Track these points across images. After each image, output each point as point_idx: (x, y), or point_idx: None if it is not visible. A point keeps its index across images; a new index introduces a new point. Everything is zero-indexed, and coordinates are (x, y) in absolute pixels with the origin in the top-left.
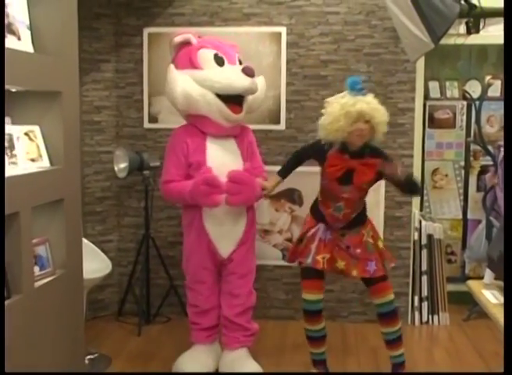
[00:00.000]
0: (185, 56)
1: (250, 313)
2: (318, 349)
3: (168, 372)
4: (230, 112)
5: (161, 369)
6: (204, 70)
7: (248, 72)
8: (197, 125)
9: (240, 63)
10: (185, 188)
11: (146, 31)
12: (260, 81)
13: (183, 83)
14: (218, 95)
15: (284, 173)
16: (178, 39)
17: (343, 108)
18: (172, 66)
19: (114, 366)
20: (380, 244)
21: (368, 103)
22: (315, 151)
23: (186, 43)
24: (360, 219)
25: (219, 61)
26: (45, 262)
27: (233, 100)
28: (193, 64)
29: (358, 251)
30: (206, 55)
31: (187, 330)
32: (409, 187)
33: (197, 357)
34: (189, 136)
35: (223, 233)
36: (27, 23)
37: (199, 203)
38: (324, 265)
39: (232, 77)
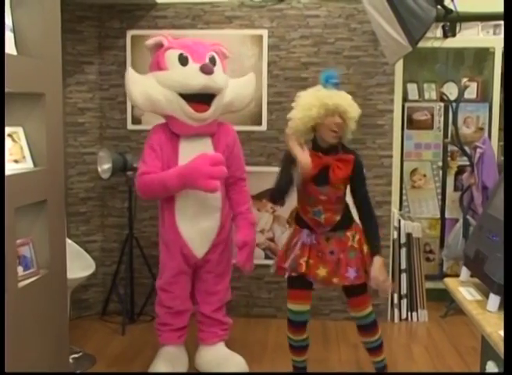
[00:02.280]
0: (154, 59)
1: (225, 309)
2: (299, 357)
3: (168, 372)
4: (192, 110)
5: (146, 368)
6: (168, 71)
7: (205, 69)
8: (169, 125)
9: (212, 61)
10: (170, 175)
11: (129, 34)
12: (246, 79)
13: (142, 84)
14: (182, 95)
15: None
16: (150, 42)
17: (319, 100)
18: (129, 69)
19: (98, 366)
20: (365, 248)
21: (344, 98)
22: (291, 159)
23: (160, 45)
24: (345, 221)
25: (183, 60)
26: (29, 262)
27: (198, 98)
28: (159, 66)
29: (341, 256)
30: (171, 56)
31: None
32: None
33: (169, 361)
34: (164, 134)
35: (196, 233)
36: (10, 25)
37: (194, 186)
38: (306, 269)
39: (188, 76)
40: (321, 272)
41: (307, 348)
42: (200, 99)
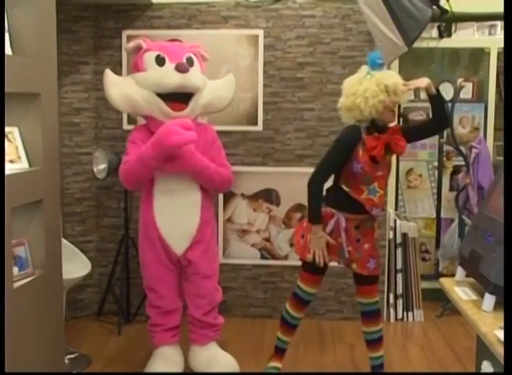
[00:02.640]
0: (133, 61)
1: (216, 309)
2: (288, 337)
3: (166, 372)
4: (169, 109)
5: (142, 368)
6: (145, 72)
7: (180, 68)
8: (148, 125)
9: (189, 62)
10: (145, 148)
11: (125, 34)
12: (226, 80)
13: (120, 85)
14: (160, 94)
15: (320, 202)
16: (129, 45)
17: (379, 84)
18: (107, 71)
19: (94, 366)
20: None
21: (394, 75)
22: (350, 143)
23: (139, 48)
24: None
25: (160, 61)
26: (24, 262)
27: (175, 98)
28: (137, 67)
29: (366, 246)
30: (149, 57)
31: None
32: (440, 108)
33: (168, 359)
34: (145, 133)
35: (174, 228)
36: (6, 25)
37: (170, 145)
38: (352, 254)
39: (163, 75)
40: (345, 253)
41: (295, 330)
42: (177, 98)
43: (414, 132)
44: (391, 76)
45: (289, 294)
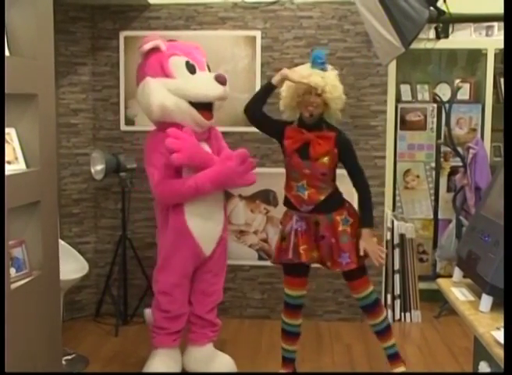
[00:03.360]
0: (156, 64)
1: (217, 309)
2: (291, 346)
3: (166, 372)
4: (203, 118)
5: (139, 369)
6: (177, 79)
7: (221, 80)
8: (166, 132)
9: (209, 68)
10: (202, 181)
11: (122, 35)
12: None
13: (158, 94)
14: (191, 103)
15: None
16: (148, 46)
17: (287, 82)
18: (148, 79)
19: (91, 367)
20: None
21: (323, 77)
22: (278, 123)
23: (156, 49)
24: (332, 204)
25: (191, 68)
26: (22, 263)
27: (204, 107)
28: (165, 72)
29: (333, 240)
30: (178, 63)
31: None
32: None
33: (166, 360)
34: (162, 141)
35: (206, 231)
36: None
37: (234, 186)
38: (306, 257)
39: (205, 86)
40: (315, 254)
41: (299, 337)
42: (206, 107)
43: (345, 166)
44: (315, 76)
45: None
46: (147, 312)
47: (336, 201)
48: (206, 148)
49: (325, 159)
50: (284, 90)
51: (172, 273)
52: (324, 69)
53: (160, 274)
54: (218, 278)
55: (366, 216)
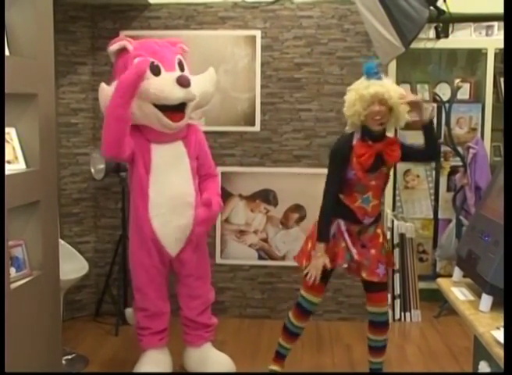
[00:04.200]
0: (121, 66)
1: (210, 310)
2: (289, 344)
3: (164, 372)
4: (169, 120)
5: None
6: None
7: (183, 83)
8: (142, 131)
9: (181, 67)
10: (110, 99)
11: (122, 34)
12: (208, 75)
13: None
14: (156, 105)
15: (329, 224)
16: (114, 47)
17: (357, 93)
18: (102, 85)
19: (91, 367)
20: (387, 247)
21: (382, 85)
22: (342, 154)
23: (123, 50)
24: (378, 217)
25: (155, 70)
26: (22, 263)
27: (173, 108)
28: None
29: (373, 251)
30: None
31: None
32: (431, 140)
33: (155, 363)
34: (135, 138)
35: (171, 231)
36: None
37: (131, 79)
38: (357, 256)
39: (166, 89)
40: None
41: (298, 338)
42: (175, 108)
43: (408, 152)
44: (374, 86)
45: (286, 294)
46: (128, 311)
47: (380, 214)
48: (181, 147)
49: (386, 168)
50: (347, 109)
51: (139, 270)
52: (379, 79)
53: (132, 271)
54: (202, 281)
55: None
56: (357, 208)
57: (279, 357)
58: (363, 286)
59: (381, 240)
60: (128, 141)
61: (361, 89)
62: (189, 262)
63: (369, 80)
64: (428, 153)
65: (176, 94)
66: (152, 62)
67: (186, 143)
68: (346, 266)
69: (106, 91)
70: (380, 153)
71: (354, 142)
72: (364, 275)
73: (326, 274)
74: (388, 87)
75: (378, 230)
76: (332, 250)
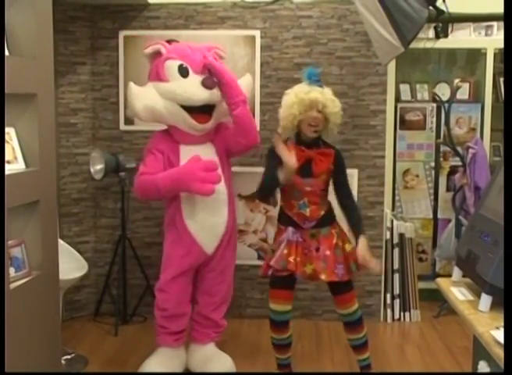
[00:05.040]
0: (154, 68)
1: (225, 309)
2: (283, 355)
3: (165, 372)
4: (195, 122)
5: (138, 369)
6: (170, 82)
7: (207, 84)
8: (171, 133)
9: (209, 71)
10: (163, 177)
11: (122, 34)
12: (246, 81)
13: (144, 97)
14: (184, 106)
15: (268, 194)
16: (148, 51)
17: (297, 96)
18: (131, 84)
19: (91, 367)
20: (348, 247)
21: (322, 93)
22: (275, 155)
23: (158, 53)
24: (329, 218)
25: (183, 72)
26: (21, 263)
27: (199, 110)
28: (159, 76)
29: (328, 253)
30: (171, 67)
31: None
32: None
33: (163, 362)
34: (166, 141)
35: (205, 228)
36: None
37: (188, 189)
38: (296, 267)
39: (190, 90)
40: (308, 269)
41: (291, 346)
42: (202, 110)
43: (335, 182)
44: (314, 92)
45: None
46: None
47: (331, 215)
48: (210, 149)
49: (324, 176)
50: (283, 111)
51: (169, 271)
52: (321, 86)
53: (161, 273)
54: (224, 277)
55: (360, 225)
56: (296, 214)
57: (282, 367)
58: (329, 290)
59: (335, 240)
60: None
61: (302, 93)
62: (218, 257)
63: (310, 86)
64: (341, 209)
65: (199, 95)
66: (181, 65)
67: (217, 144)
68: (284, 273)
69: (135, 90)
70: (310, 160)
71: (287, 145)
72: (323, 277)
73: (287, 281)
74: (327, 96)
75: (333, 231)
76: (274, 256)
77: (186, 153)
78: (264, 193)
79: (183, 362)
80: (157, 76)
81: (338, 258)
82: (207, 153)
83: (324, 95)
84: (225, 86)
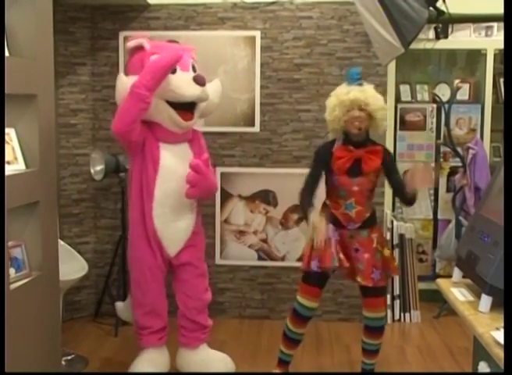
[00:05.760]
0: (138, 62)
1: (207, 310)
2: (289, 351)
3: (162, 372)
4: (181, 119)
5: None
6: None
7: (199, 81)
8: (152, 130)
9: (194, 69)
10: (137, 80)
11: (122, 35)
12: (215, 85)
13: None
14: (169, 102)
15: (310, 202)
16: (131, 44)
17: (338, 98)
18: (121, 75)
19: (91, 367)
20: (386, 252)
21: (362, 91)
22: (322, 157)
23: (140, 48)
24: (371, 221)
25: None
26: (21, 264)
27: (184, 107)
28: None
29: (366, 256)
30: None
31: None
32: (409, 199)
33: (153, 361)
34: (145, 136)
35: (171, 231)
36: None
37: (164, 62)
38: (346, 263)
39: (183, 86)
40: (346, 264)
41: (299, 344)
42: (186, 108)
43: (389, 180)
44: (354, 91)
45: (286, 295)
46: (118, 305)
47: (374, 218)
48: (187, 149)
49: (372, 175)
50: (328, 115)
51: (142, 267)
52: (361, 85)
53: (132, 268)
54: (199, 280)
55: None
56: (341, 214)
57: (283, 363)
58: (360, 290)
59: (374, 245)
60: (138, 128)
61: (342, 95)
62: (187, 261)
63: (350, 86)
64: (402, 201)
65: (192, 91)
66: None
67: (192, 146)
68: (334, 269)
69: (125, 80)
70: (359, 159)
71: (335, 147)
72: (359, 279)
73: (321, 279)
74: (368, 93)
75: (373, 235)
76: (322, 253)
77: (166, 151)
78: (308, 203)
79: (168, 362)
80: (140, 70)
81: (376, 263)
82: (185, 154)
83: (364, 93)
84: (204, 190)
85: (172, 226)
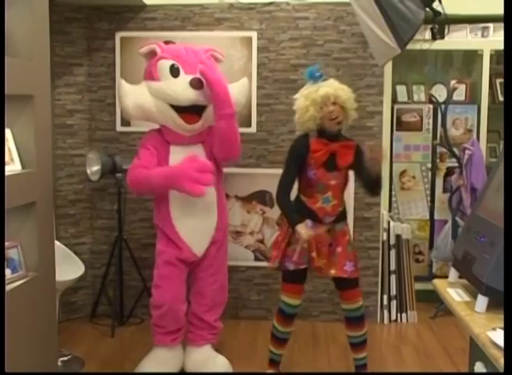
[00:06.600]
0: (148, 68)
1: (220, 312)
2: (279, 350)
3: (161, 372)
4: (183, 122)
5: (135, 369)
6: (160, 82)
7: (194, 84)
8: (162, 133)
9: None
10: (157, 173)
11: (118, 35)
12: (241, 85)
13: (134, 95)
14: (174, 106)
15: (293, 207)
16: (143, 50)
17: (308, 98)
18: (122, 81)
19: (87, 368)
20: (352, 245)
21: (330, 85)
22: (299, 151)
23: (153, 53)
24: (344, 214)
25: (174, 72)
26: (17, 265)
27: (187, 110)
28: (152, 76)
29: (339, 249)
30: (163, 66)
31: None
32: (374, 182)
33: (159, 361)
34: (159, 138)
35: (194, 231)
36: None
37: (180, 188)
38: (317, 262)
39: (178, 90)
40: (319, 263)
41: (287, 342)
42: (191, 111)
43: (356, 170)
44: (322, 88)
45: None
46: None
47: (345, 211)
48: (200, 151)
49: (345, 170)
50: (301, 116)
51: (161, 267)
52: (325, 80)
53: (155, 269)
54: (216, 278)
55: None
56: (318, 208)
57: (273, 363)
58: (334, 284)
59: (347, 237)
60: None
61: (311, 93)
62: (209, 259)
63: (316, 84)
64: (367, 188)
65: (186, 95)
66: (172, 65)
67: (206, 147)
68: (304, 266)
69: (126, 88)
70: (334, 153)
71: (311, 140)
72: (332, 272)
73: (301, 276)
74: (335, 86)
75: (345, 228)
76: (292, 252)
77: (176, 153)
78: (285, 197)
79: (179, 362)
80: (150, 75)
81: (348, 255)
82: (197, 154)
83: (332, 87)
84: (215, 96)
85: (194, 226)
